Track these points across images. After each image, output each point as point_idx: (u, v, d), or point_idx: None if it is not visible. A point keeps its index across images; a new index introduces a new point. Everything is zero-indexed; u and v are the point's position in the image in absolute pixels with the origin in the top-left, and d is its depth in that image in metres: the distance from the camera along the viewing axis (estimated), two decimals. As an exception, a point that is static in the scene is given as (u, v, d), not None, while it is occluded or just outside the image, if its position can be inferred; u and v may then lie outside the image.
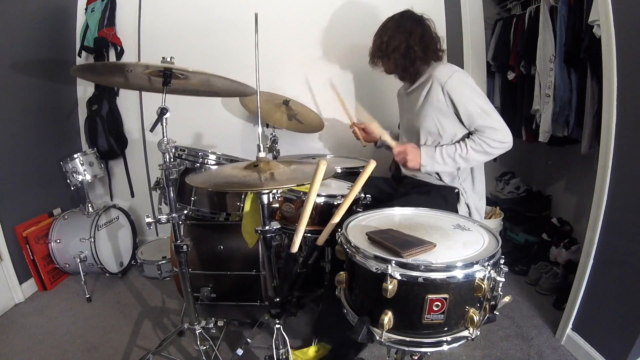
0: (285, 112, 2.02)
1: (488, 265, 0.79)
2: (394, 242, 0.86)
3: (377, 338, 0.83)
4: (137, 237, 2.40)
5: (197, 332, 1.36)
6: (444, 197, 1.46)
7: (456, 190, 1.49)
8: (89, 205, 2.11)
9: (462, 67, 2.16)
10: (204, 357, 1.37)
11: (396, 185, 1.71)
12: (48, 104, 2.21)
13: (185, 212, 1.47)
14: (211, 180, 1.13)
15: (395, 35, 1.46)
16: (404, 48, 1.45)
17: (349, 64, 2.32)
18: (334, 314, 1.25)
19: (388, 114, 2.28)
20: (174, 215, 1.26)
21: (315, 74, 2.32)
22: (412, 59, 1.46)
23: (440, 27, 1.57)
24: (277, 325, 1.17)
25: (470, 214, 1.50)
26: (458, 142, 1.41)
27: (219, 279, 1.70)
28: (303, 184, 0.97)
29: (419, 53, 1.45)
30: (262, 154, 1.09)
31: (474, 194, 1.51)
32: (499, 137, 1.34)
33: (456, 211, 1.46)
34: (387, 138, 1.55)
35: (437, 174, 1.50)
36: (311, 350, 1.44)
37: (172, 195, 1.25)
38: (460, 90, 1.37)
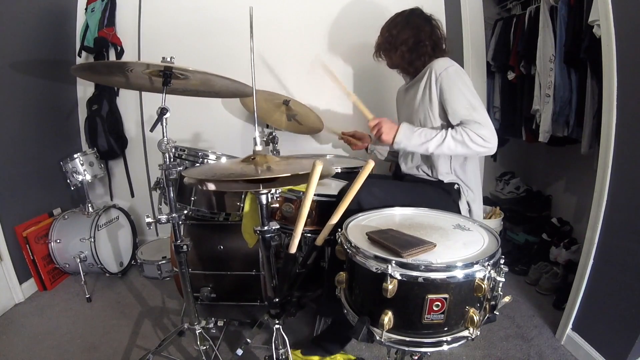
0: (285, 112, 2.02)
1: (488, 265, 0.79)
2: (394, 242, 0.86)
3: (377, 338, 0.83)
4: (137, 237, 2.40)
5: (197, 332, 1.36)
6: (446, 191, 1.46)
7: (456, 187, 1.49)
8: (89, 205, 2.11)
9: (462, 67, 2.17)
10: (204, 357, 1.37)
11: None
12: (48, 104, 2.21)
13: (185, 212, 1.48)
14: (207, 174, 1.11)
15: (405, 30, 1.48)
16: (413, 42, 1.47)
17: (349, 64, 2.32)
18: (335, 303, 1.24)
19: (388, 113, 2.28)
20: (174, 215, 1.26)
21: (316, 73, 2.32)
22: (420, 53, 1.47)
23: (440, 27, 1.58)
24: (277, 326, 1.17)
25: (470, 211, 1.50)
26: (441, 126, 1.40)
27: (219, 279, 1.70)
28: (301, 184, 0.96)
29: (428, 49, 1.47)
30: (258, 147, 1.08)
31: (471, 193, 1.51)
32: (483, 134, 1.29)
33: (457, 206, 1.46)
34: (364, 109, 1.49)
35: (435, 173, 1.49)
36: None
37: (172, 195, 1.25)
38: (452, 83, 1.37)
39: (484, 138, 1.29)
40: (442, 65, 1.39)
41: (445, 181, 1.49)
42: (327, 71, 1.52)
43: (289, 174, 0.94)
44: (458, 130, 1.32)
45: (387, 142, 1.39)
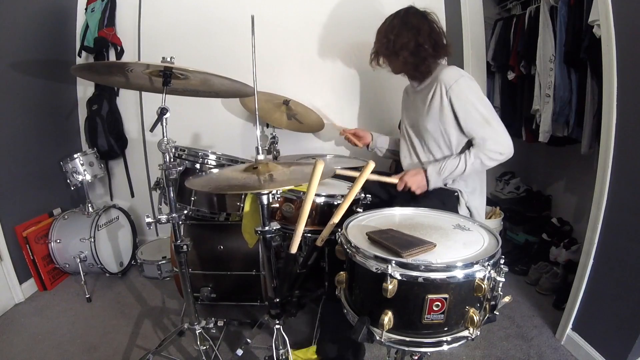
0: (285, 112, 2.02)
1: (488, 265, 0.79)
2: (394, 242, 0.86)
3: (377, 338, 0.83)
4: (137, 237, 2.40)
5: (197, 332, 1.36)
6: (442, 202, 1.45)
7: (455, 194, 1.48)
8: (89, 205, 2.11)
9: (462, 67, 2.17)
10: (204, 357, 1.37)
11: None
12: (48, 104, 2.21)
13: (185, 212, 1.48)
14: (211, 184, 1.12)
15: (403, 33, 1.43)
16: (413, 46, 1.43)
17: (348, 64, 2.32)
18: (334, 319, 1.24)
19: (388, 114, 2.28)
20: (174, 215, 1.25)
21: (316, 73, 2.32)
22: (422, 56, 1.44)
23: (440, 27, 1.57)
24: (277, 326, 1.17)
25: (471, 215, 1.50)
26: (458, 156, 1.41)
27: (219, 279, 1.70)
28: (301, 185, 0.97)
29: (429, 50, 1.44)
30: (260, 156, 1.09)
31: (473, 195, 1.51)
32: (498, 149, 1.35)
33: (457, 212, 1.45)
34: (384, 179, 1.49)
35: None
36: (311, 351, 1.44)
37: (172, 195, 1.25)
38: (463, 96, 1.37)
39: (500, 152, 1.36)
40: (452, 77, 1.38)
41: (447, 186, 1.49)
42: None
43: (292, 186, 0.95)
44: (477, 156, 1.37)
45: (423, 191, 1.46)
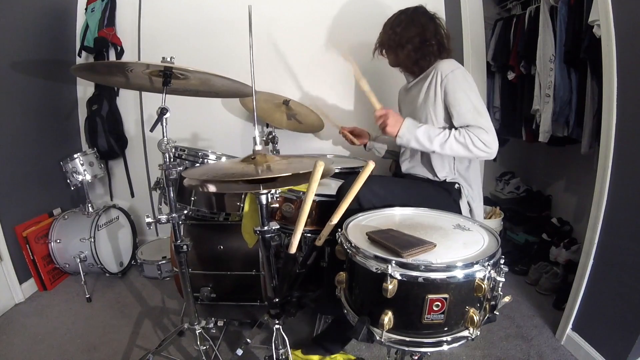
0: (285, 112, 2.02)
1: (488, 265, 0.79)
2: (394, 242, 0.86)
3: (377, 338, 0.83)
4: (137, 237, 2.40)
5: (197, 332, 1.36)
6: (447, 190, 1.46)
7: (457, 186, 1.48)
8: (89, 205, 2.11)
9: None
10: (204, 357, 1.37)
11: None
12: (48, 104, 2.21)
13: (185, 212, 1.48)
14: (207, 175, 1.11)
15: (409, 28, 1.46)
16: (418, 41, 1.45)
17: (349, 63, 2.31)
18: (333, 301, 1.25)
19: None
20: (174, 215, 1.26)
21: (316, 73, 2.32)
22: (425, 52, 1.46)
23: (440, 27, 1.58)
24: (277, 326, 1.17)
25: (471, 211, 1.50)
26: (444, 127, 1.39)
27: (219, 279, 1.70)
28: (303, 178, 0.95)
29: (434, 49, 1.46)
30: (258, 147, 1.08)
31: (473, 192, 1.51)
32: (485, 139, 1.30)
33: (458, 205, 1.46)
34: (373, 98, 1.47)
35: (435, 173, 1.49)
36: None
37: (172, 195, 1.26)
38: (458, 85, 1.36)
39: (485, 143, 1.30)
40: (449, 67, 1.39)
41: (447, 180, 1.49)
42: (347, 56, 1.63)
43: (289, 174, 0.94)
44: (461, 132, 1.32)
45: (391, 134, 1.38)
